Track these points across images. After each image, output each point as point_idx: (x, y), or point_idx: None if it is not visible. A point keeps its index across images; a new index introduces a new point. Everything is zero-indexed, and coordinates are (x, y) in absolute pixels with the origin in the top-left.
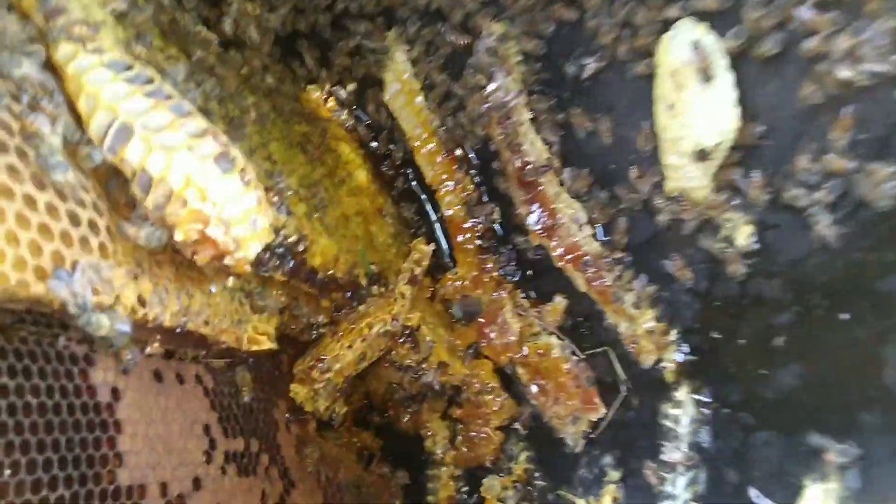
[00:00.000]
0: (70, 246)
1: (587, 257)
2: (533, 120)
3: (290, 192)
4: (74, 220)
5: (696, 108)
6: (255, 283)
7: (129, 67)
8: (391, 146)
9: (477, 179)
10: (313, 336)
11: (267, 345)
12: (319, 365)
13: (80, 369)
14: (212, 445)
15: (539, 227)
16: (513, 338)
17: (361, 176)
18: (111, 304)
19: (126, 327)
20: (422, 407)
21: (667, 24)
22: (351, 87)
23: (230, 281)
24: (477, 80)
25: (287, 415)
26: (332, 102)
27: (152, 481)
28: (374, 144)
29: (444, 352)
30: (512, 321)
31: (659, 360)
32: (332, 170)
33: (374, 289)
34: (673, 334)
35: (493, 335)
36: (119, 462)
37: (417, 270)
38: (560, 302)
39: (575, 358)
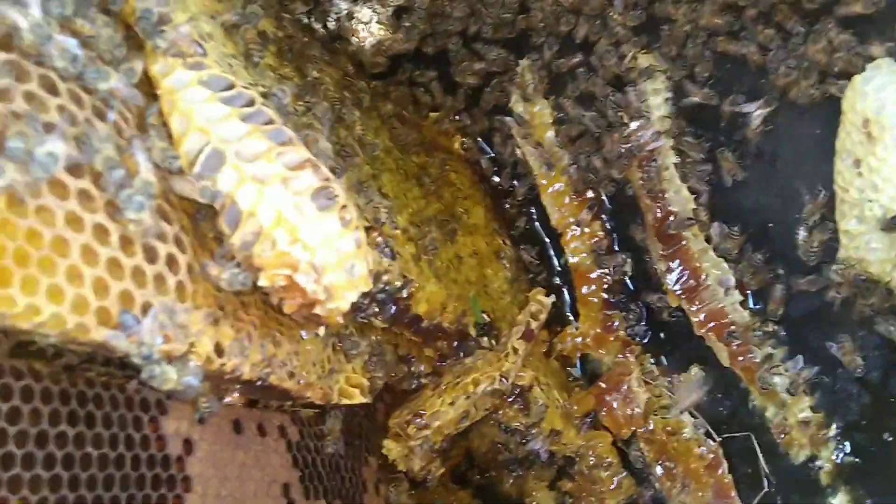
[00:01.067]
0: (143, 286)
1: (733, 327)
2: (679, 165)
3: (397, 231)
4: (150, 256)
5: (891, 167)
6: (350, 327)
7: (230, 87)
8: (514, 182)
9: (609, 226)
10: (413, 385)
11: (359, 399)
12: (417, 421)
13: (151, 417)
14: None
15: (679, 287)
16: (638, 410)
17: (479, 213)
18: (183, 354)
19: (195, 381)
20: (528, 473)
21: (860, 64)
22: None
23: (321, 329)
24: (619, 118)
25: (377, 473)
26: (455, 132)
27: None
28: (497, 179)
29: (557, 418)
30: (638, 391)
31: (813, 458)
32: (448, 205)
33: (485, 340)
34: (833, 429)
35: (615, 404)
36: None
37: (534, 325)
38: (696, 374)
39: (710, 441)
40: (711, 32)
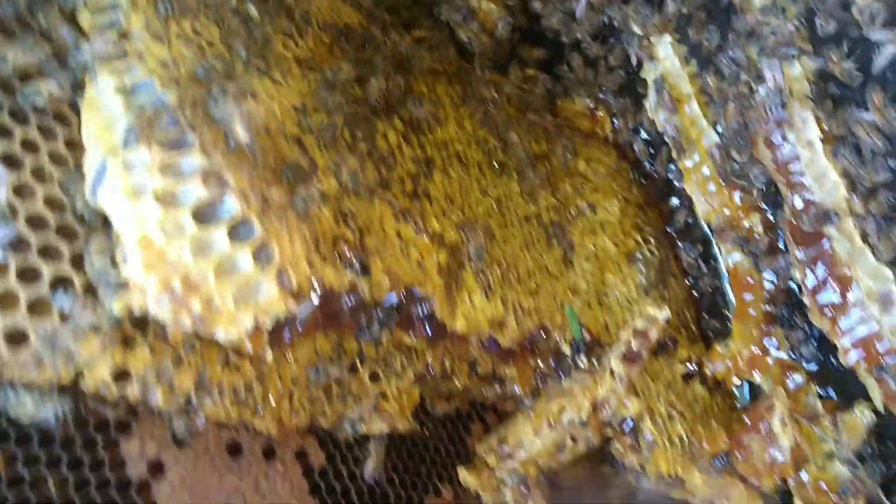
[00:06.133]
0: (10, 307)
1: (889, 358)
2: (826, 140)
3: (423, 238)
4: (29, 277)
5: None
6: (384, 347)
7: (152, 90)
8: (670, 168)
9: (771, 218)
10: (516, 408)
11: (379, 429)
12: (500, 449)
13: (109, 439)
14: None
15: (819, 301)
16: (780, 456)
17: (614, 208)
18: (59, 382)
19: (52, 416)
20: None
21: None
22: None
23: (267, 356)
24: (743, 82)
25: (454, 502)
26: (601, 113)
27: None
28: (651, 166)
29: (671, 458)
30: (781, 432)
31: None
32: (565, 200)
33: (582, 360)
34: None
35: (753, 446)
36: None
37: (637, 344)
38: (863, 416)
39: None
40: None
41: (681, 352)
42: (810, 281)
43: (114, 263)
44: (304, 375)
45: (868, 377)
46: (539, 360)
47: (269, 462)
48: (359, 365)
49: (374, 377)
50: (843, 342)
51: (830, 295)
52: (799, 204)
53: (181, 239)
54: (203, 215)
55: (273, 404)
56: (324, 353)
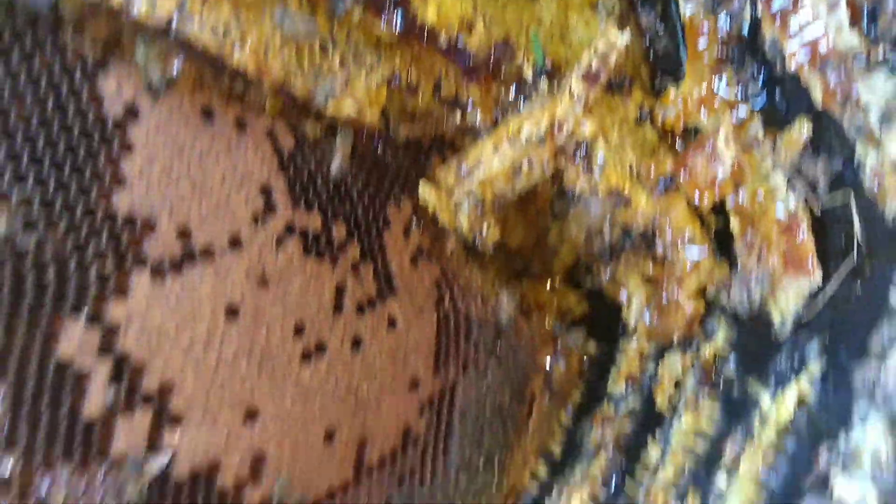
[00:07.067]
0: None
1: (832, 57)
2: None
3: None
4: None
5: None
6: (354, 37)
7: None
8: None
9: None
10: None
11: (348, 112)
12: (460, 169)
13: (86, 73)
14: (268, 208)
15: (771, 9)
16: (723, 170)
17: None
18: None
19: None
20: (619, 265)
21: None
22: None
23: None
24: None
25: (410, 217)
26: None
27: (167, 219)
28: None
29: (621, 175)
30: (725, 149)
31: None
32: None
33: (543, 82)
34: None
35: (697, 166)
36: (119, 185)
37: (596, 64)
38: (802, 127)
39: (791, 199)
40: None
41: (636, 94)
42: None
43: None
44: (279, 35)
45: (811, 75)
46: (502, 87)
47: (240, 132)
48: (329, 47)
49: (344, 63)
50: (790, 45)
51: (782, 1)
52: None
53: None
54: None
55: (250, 46)
56: None
